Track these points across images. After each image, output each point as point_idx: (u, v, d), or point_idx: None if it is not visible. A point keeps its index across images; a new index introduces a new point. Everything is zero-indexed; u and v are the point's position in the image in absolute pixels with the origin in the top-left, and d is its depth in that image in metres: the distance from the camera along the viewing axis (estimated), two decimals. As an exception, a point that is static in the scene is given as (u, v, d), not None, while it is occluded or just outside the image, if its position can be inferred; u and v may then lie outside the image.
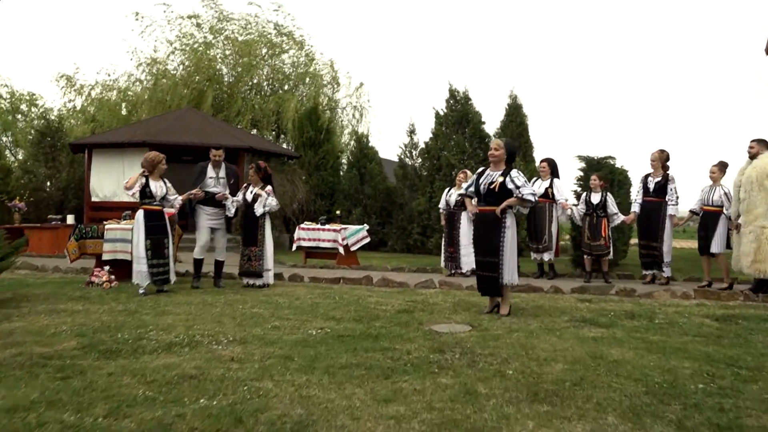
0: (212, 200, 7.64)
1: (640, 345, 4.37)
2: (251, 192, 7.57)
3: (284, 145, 20.84)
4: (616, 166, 9.55)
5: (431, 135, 16.42)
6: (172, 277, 7.14)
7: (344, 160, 18.78)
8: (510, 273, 5.64)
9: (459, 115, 16.14)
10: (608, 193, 8.64)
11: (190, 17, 20.18)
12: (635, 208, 8.47)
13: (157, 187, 6.99)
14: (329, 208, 17.12)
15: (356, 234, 10.77)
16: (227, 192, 7.70)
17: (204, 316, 5.48)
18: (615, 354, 4.07)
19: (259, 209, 7.44)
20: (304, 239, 10.81)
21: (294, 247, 10.95)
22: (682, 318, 5.49)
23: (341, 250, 10.41)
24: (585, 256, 8.64)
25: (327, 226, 10.73)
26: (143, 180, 6.92)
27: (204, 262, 7.84)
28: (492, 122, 29.46)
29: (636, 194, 8.54)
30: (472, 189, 5.87)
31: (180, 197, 7.32)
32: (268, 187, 7.60)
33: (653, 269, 8.24)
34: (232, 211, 7.69)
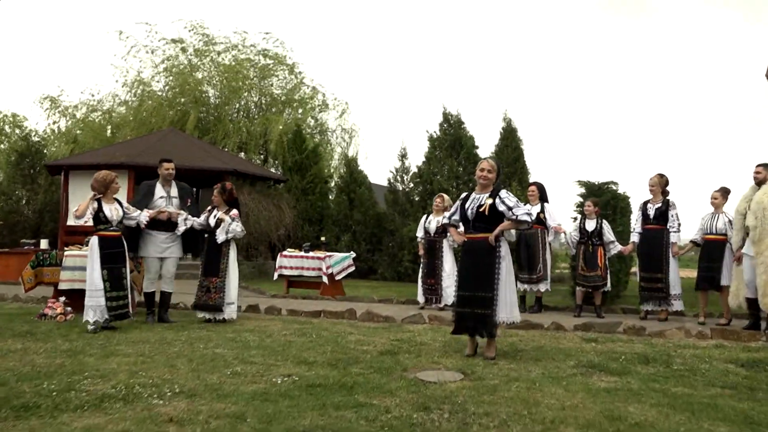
0: (163, 224, 6.76)
1: (662, 400, 3.69)
2: (215, 216, 6.86)
3: (272, 169, 20.28)
4: (619, 191, 8.94)
5: (424, 159, 15.88)
6: (131, 311, 6.43)
7: (333, 185, 18.22)
8: (508, 309, 4.99)
9: (452, 139, 15.63)
10: (604, 220, 8.03)
11: (174, 41, 19.70)
12: (634, 237, 7.86)
13: (112, 210, 6.30)
14: (318, 234, 16.46)
15: (342, 262, 10.10)
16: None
17: (157, 357, 4.77)
18: (635, 413, 3.39)
19: (221, 236, 6.71)
20: (286, 267, 10.12)
21: (276, 276, 10.25)
22: (702, 363, 4.83)
23: (325, 279, 9.73)
24: (577, 288, 7.98)
25: (311, 254, 10.06)
26: (95, 204, 6.23)
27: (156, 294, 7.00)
28: (486, 146, 29.12)
29: (635, 222, 7.94)
30: (456, 216, 5.22)
31: (146, 213, 6.61)
32: (234, 211, 6.89)
33: (653, 303, 7.60)
34: (181, 229, 6.86)
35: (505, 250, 5.01)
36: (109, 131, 19.95)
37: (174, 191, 7.00)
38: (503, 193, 5.04)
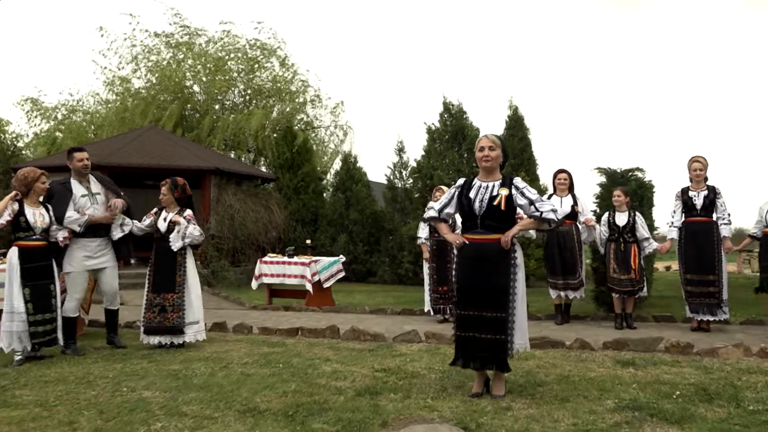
0: (92, 229, 5.54)
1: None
2: (165, 218, 5.69)
3: (263, 168, 19.14)
4: (645, 179, 7.67)
5: (423, 153, 14.73)
6: (60, 337, 5.28)
7: (326, 183, 17.09)
8: (522, 335, 3.82)
9: (454, 130, 14.48)
10: (637, 213, 6.81)
11: (157, 35, 18.56)
12: (672, 233, 6.62)
13: (36, 215, 5.14)
14: (312, 235, 15.33)
15: (329, 268, 8.93)
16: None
17: (59, 408, 3.61)
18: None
19: (177, 242, 5.51)
20: (267, 275, 8.95)
21: (255, 285, 9.08)
22: (785, 399, 3.63)
23: (310, 287, 8.56)
24: (613, 295, 6.76)
25: (295, 259, 8.89)
26: (15, 206, 5.09)
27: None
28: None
29: (672, 215, 6.70)
30: (450, 209, 4.02)
31: (79, 217, 5.40)
32: (188, 212, 5.69)
33: (705, 312, 6.37)
34: (117, 234, 5.65)
35: (520, 258, 3.84)
36: (91, 132, 18.84)
37: (95, 186, 5.78)
38: (519, 181, 3.89)
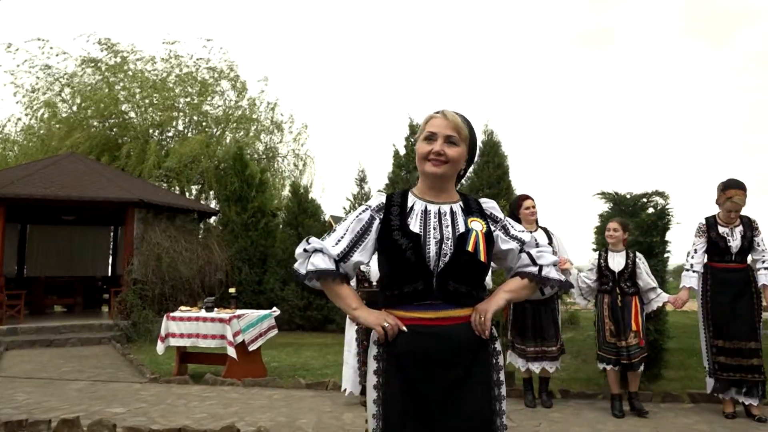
0: None
1: None
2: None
3: (213, 202, 17.11)
4: (667, 206, 5.80)
5: (387, 181, 12.92)
6: None
7: (281, 218, 15.13)
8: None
9: (421, 156, 12.69)
10: (638, 254, 4.99)
11: (85, 61, 16.56)
12: (691, 280, 4.83)
13: None
14: (260, 278, 13.30)
15: (257, 325, 6.90)
16: None
17: None
18: None
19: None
20: (175, 335, 6.87)
21: (161, 348, 6.94)
22: None
23: (232, 351, 6.50)
24: (607, 367, 4.88)
25: (213, 314, 6.84)
26: None
27: None
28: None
29: (691, 255, 4.89)
30: (362, 256, 2.03)
31: None
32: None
33: (738, 391, 4.59)
34: None
35: (500, 349, 1.96)
36: (11, 159, 16.63)
37: None
38: (494, 208, 2.09)
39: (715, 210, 4.90)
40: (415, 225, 1.96)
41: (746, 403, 4.63)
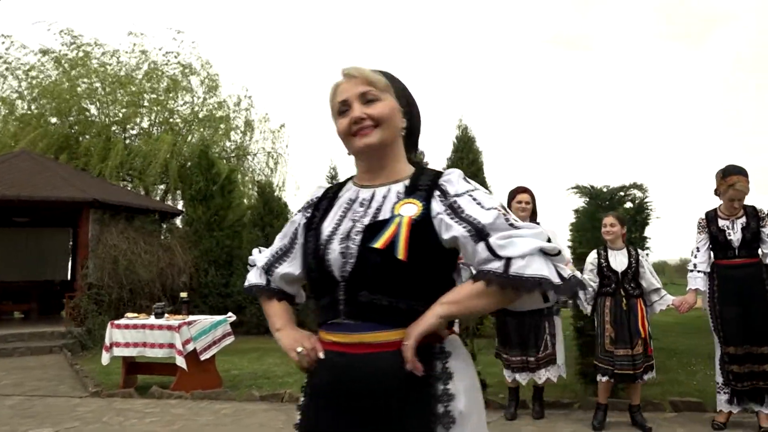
0: None
1: None
2: None
3: (180, 202, 16.49)
4: (646, 200, 5.41)
5: (357, 179, 12.44)
6: None
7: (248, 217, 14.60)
8: None
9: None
10: (640, 252, 4.59)
11: (43, 52, 15.83)
12: (696, 281, 4.42)
13: None
14: (227, 280, 12.75)
15: (210, 332, 6.40)
16: None
17: None
18: None
19: None
20: (120, 344, 6.33)
21: (106, 359, 6.39)
22: None
23: (181, 361, 5.98)
24: (600, 377, 4.47)
25: (161, 321, 6.32)
26: None
27: None
28: (436, 160, 25.82)
29: (695, 254, 4.50)
30: (292, 268, 1.61)
31: None
32: None
33: (751, 400, 4.18)
34: None
35: (462, 369, 1.49)
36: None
37: None
38: (456, 178, 1.50)
39: (704, 204, 4.54)
40: (331, 221, 1.51)
41: (756, 410, 4.22)
